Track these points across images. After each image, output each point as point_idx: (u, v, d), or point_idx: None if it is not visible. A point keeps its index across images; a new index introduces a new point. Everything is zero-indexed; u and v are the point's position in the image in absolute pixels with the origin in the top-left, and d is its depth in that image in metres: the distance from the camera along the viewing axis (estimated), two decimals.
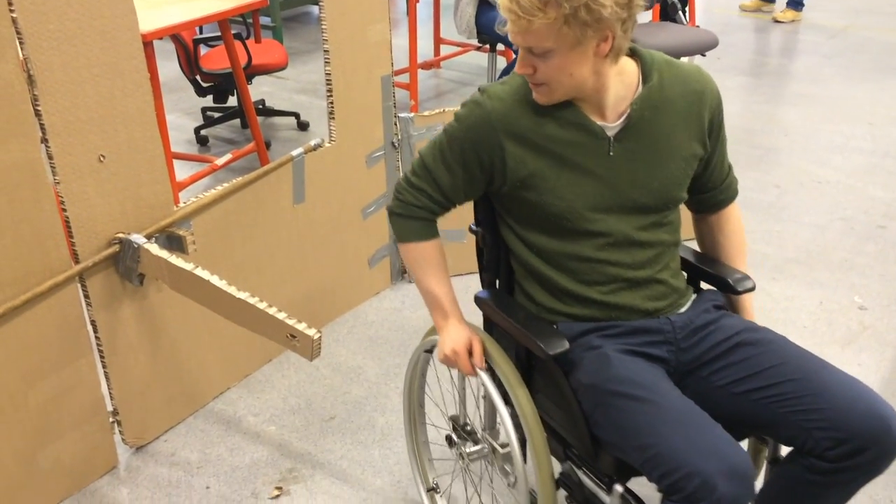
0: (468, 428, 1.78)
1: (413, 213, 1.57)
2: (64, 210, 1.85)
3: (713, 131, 1.55)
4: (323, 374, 2.48)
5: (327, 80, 2.40)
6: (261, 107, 4.52)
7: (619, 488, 1.42)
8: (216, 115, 4.38)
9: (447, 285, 1.58)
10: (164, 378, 2.20)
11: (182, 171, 3.84)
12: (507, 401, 1.52)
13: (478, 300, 1.62)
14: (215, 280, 1.83)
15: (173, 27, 3.00)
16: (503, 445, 1.64)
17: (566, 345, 1.42)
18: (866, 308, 2.76)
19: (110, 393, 2.08)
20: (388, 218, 1.62)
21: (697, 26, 5.16)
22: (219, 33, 3.48)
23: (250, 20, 4.54)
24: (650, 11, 4.71)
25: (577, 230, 1.48)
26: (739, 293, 1.58)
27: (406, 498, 2.01)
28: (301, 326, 1.75)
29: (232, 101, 4.35)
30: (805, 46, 5.94)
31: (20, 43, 1.68)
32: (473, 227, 1.68)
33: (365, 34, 2.44)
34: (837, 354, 2.52)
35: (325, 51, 2.36)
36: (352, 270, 2.73)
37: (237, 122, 4.53)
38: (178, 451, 2.18)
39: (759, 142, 4.21)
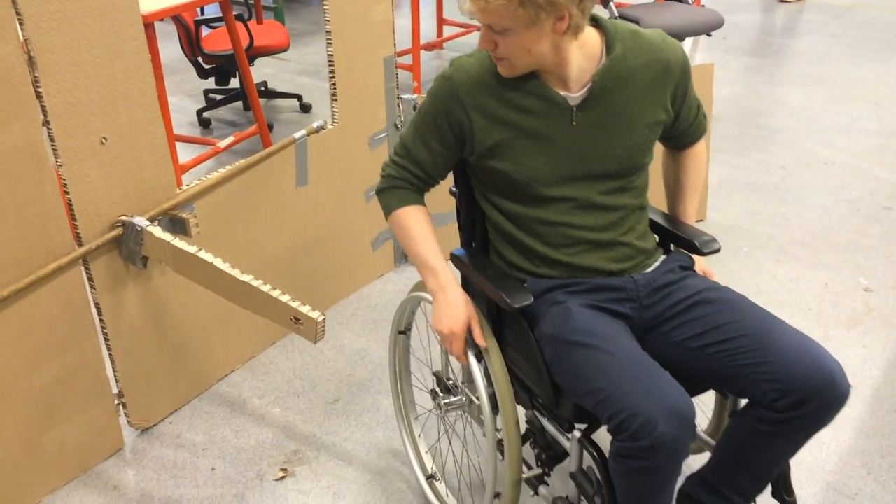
0: (451, 383, 1.84)
1: (396, 185, 1.63)
2: (66, 193, 1.84)
3: (678, 97, 1.61)
4: (327, 356, 2.48)
5: (329, 61, 2.38)
6: (263, 89, 4.50)
7: (576, 433, 1.52)
8: (218, 97, 4.36)
9: (436, 250, 1.61)
10: (169, 360, 2.20)
11: (185, 153, 3.83)
12: (481, 357, 1.60)
13: (453, 257, 1.69)
14: (219, 263, 1.83)
15: (174, 8, 2.98)
16: (479, 398, 1.73)
17: (530, 299, 1.50)
18: (872, 290, 2.75)
19: (115, 375, 2.08)
20: (377, 197, 1.67)
21: (703, 6, 5.11)
22: (220, 14, 3.46)
23: (252, 1, 4.51)
24: None
25: (541, 196, 1.55)
26: (705, 254, 1.64)
27: (410, 479, 2.02)
28: (305, 309, 1.75)
29: (234, 83, 4.33)
30: (811, 26, 5.89)
31: (20, 24, 1.66)
32: (453, 189, 1.75)
33: (367, 15, 2.42)
34: (842, 336, 2.52)
35: (327, 32, 2.34)
36: (355, 253, 2.72)
37: (239, 104, 4.51)
38: (183, 433, 2.19)
39: (765, 122, 4.18)
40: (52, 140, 1.79)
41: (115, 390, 2.10)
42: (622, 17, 4.04)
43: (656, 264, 1.62)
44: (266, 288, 1.78)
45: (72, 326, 1.93)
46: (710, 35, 4.15)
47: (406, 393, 2.00)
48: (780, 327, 1.44)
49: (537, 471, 1.68)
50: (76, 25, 1.75)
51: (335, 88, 2.42)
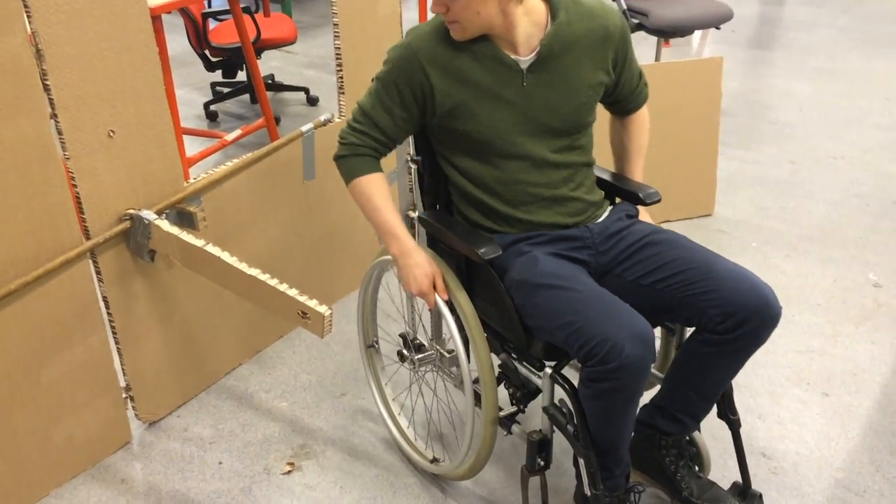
0: (417, 342, 1.97)
1: (358, 152, 1.71)
2: (74, 186, 1.84)
3: (619, 61, 1.74)
4: (334, 350, 2.48)
5: (337, 54, 2.37)
6: (270, 82, 4.49)
7: (548, 369, 1.65)
8: (225, 90, 4.36)
9: (398, 217, 1.72)
10: (177, 354, 2.20)
11: (192, 146, 3.83)
12: (453, 309, 1.73)
13: (421, 220, 1.81)
14: (226, 256, 1.83)
15: (182, 1, 2.97)
16: (450, 351, 1.88)
17: (499, 251, 1.64)
18: (881, 285, 2.73)
19: (123, 369, 2.08)
20: (336, 163, 1.75)
21: None
22: (227, 7, 3.45)
23: None
24: None
25: (500, 154, 1.67)
26: (647, 204, 1.82)
27: (417, 474, 2.02)
28: (312, 303, 1.75)
29: (241, 75, 4.32)
30: (820, 19, 5.85)
31: (28, 17, 1.66)
32: (414, 156, 1.84)
33: (375, 8, 2.41)
34: (851, 332, 2.50)
35: (334, 25, 2.33)
36: (362, 247, 2.72)
37: (246, 97, 4.51)
38: (190, 426, 2.19)
39: (774, 117, 4.15)
40: (59, 133, 1.78)
41: (122, 384, 2.10)
42: (631, 9, 4.02)
43: (605, 214, 1.78)
44: (273, 282, 1.78)
45: (80, 320, 1.93)
46: (718, 28, 4.12)
47: (375, 356, 2.13)
48: (720, 260, 1.62)
49: (512, 409, 1.80)
50: (84, 18, 1.75)
51: (342, 81, 2.41)
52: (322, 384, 2.34)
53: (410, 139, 1.83)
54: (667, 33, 3.94)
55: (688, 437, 1.79)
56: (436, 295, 1.70)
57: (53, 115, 1.76)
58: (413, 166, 1.86)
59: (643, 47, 5.23)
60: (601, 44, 1.68)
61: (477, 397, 1.78)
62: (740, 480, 1.81)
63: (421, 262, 1.70)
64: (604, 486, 1.62)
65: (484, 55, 1.63)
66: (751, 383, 2.29)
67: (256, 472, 2.04)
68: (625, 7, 4.02)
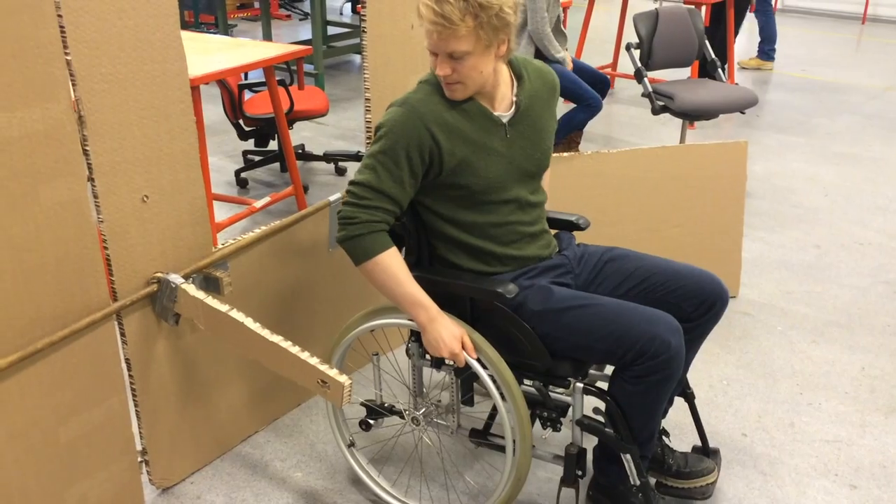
0: (386, 405, 2.09)
1: (374, 229, 1.78)
2: (105, 248, 1.87)
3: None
4: (351, 420, 2.45)
5: (367, 127, 2.42)
6: (300, 151, 4.59)
7: (578, 384, 1.82)
8: (256, 158, 4.45)
9: (419, 287, 1.81)
10: (194, 419, 2.19)
11: (220, 212, 3.90)
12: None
13: (419, 279, 1.85)
14: (249, 322, 1.84)
15: (220, 73, 3.07)
16: (438, 402, 2.05)
17: (515, 288, 1.79)
18: None
19: (140, 432, 2.07)
20: (345, 245, 1.80)
21: (736, 84, 5.17)
22: (263, 79, 3.56)
23: (294, 67, 4.64)
24: (689, 68, 4.72)
25: (494, 201, 1.85)
26: (583, 229, 2.09)
27: None
28: (332, 372, 1.74)
29: (273, 144, 4.42)
30: (845, 106, 5.90)
31: (73, 84, 1.72)
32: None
33: (406, 84, 2.47)
34: (880, 423, 2.44)
35: (366, 99, 2.39)
36: None
37: (277, 165, 4.60)
38: (203, 494, 2.17)
39: (799, 201, 4.16)
40: (95, 197, 1.83)
41: (139, 447, 2.09)
42: (656, 92, 4.09)
43: (560, 243, 2.02)
44: (295, 350, 1.78)
45: (101, 381, 1.93)
46: (743, 112, 4.17)
47: (358, 454, 2.16)
48: (673, 261, 1.91)
49: (544, 435, 2.07)
50: (126, 88, 1.81)
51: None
52: (338, 454, 2.31)
53: None
54: (691, 116, 4.00)
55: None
56: (465, 354, 1.80)
57: (91, 179, 1.81)
58: None
59: (668, 129, 5.29)
60: (551, 96, 1.95)
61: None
62: (699, 444, 2.12)
63: (448, 324, 1.79)
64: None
65: (474, 113, 1.81)
66: (776, 472, 2.23)
67: None
68: (650, 90, 4.09)
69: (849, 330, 2.95)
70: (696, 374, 2.67)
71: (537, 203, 1.94)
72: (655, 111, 4.07)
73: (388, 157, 1.76)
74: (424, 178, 1.81)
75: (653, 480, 2.06)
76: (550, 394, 1.90)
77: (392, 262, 1.78)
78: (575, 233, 2.11)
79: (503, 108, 1.85)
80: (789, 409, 2.50)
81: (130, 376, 2.01)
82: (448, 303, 1.87)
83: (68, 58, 1.69)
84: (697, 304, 1.85)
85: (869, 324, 2.99)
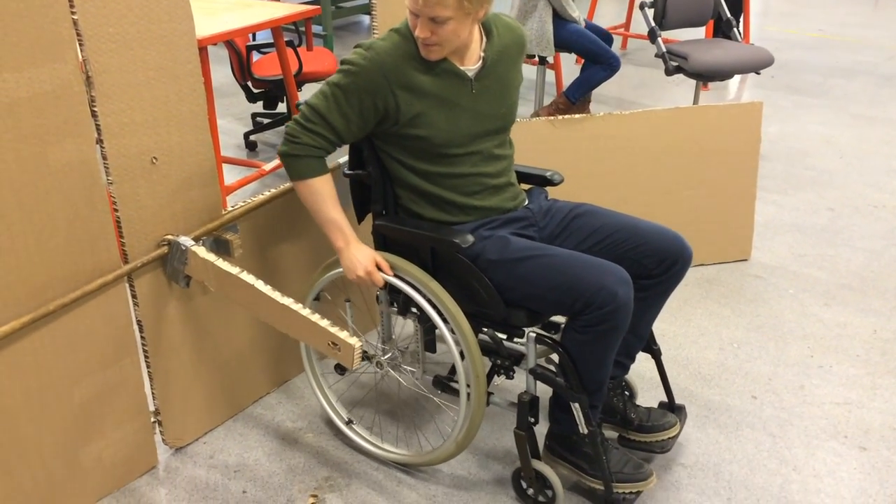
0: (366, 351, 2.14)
1: (310, 153, 1.87)
2: (116, 210, 1.87)
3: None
4: (362, 381, 2.47)
5: None
6: None
7: (531, 333, 1.88)
8: (265, 120, 4.43)
9: (342, 212, 1.90)
10: (206, 380, 2.21)
11: (230, 175, 3.89)
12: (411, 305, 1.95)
13: (379, 226, 1.97)
14: (260, 284, 1.84)
15: (228, 33, 3.04)
16: (405, 348, 2.14)
17: (472, 238, 1.84)
18: None
19: (153, 393, 2.09)
20: (283, 160, 1.88)
21: (752, 43, 5.06)
22: (271, 40, 3.52)
23: (303, 28, 4.59)
24: (703, 28, 4.64)
25: (457, 154, 1.89)
26: (556, 184, 2.13)
27: None
28: (343, 334, 1.75)
29: (281, 107, 4.39)
30: (863, 67, 5.81)
31: (80, 45, 1.71)
32: (348, 171, 2.04)
33: None
34: (891, 385, 2.44)
35: None
36: None
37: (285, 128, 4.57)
38: (216, 453, 2.19)
39: (813, 163, 4.11)
40: (104, 158, 1.82)
41: (151, 408, 2.11)
42: (670, 52, 4.03)
43: (530, 197, 2.05)
44: (305, 312, 1.79)
45: (114, 342, 1.95)
46: (758, 73, 4.11)
47: (316, 361, 2.24)
48: (639, 220, 1.94)
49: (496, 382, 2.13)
50: (134, 48, 1.79)
51: None
52: (368, 421, 2.32)
53: (348, 154, 2.05)
54: (705, 77, 3.94)
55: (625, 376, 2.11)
56: (379, 274, 1.89)
57: (99, 141, 1.80)
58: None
59: (682, 90, 5.22)
60: (519, 52, 1.98)
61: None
62: (666, 399, 2.18)
63: (363, 248, 1.91)
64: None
65: (441, 69, 1.84)
66: (786, 434, 2.24)
67: (280, 503, 2.03)
68: (664, 50, 4.02)
69: (861, 293, 2.93)
70: (707, 337, 2.67)
71: (503, 156, 1.97)
72: (669, 72, 4.01)
73: (341, 92, 1.82)
74: (380, 126, 1.86)
75: (616, 434, 2.10)
76: (505, 343, 1.97)
77: (322, 187, 1.88)
78: (580, 195, 2.17)
79: (471, 63, 1.88)
80: (800, 372, 2.50)
81: (142, 338, 2.02)
82: (410, 251, 1.94)
83: (75, 17, 1.67)
84: (658, 261, 1.89)
85: (882, 287, 2.97)
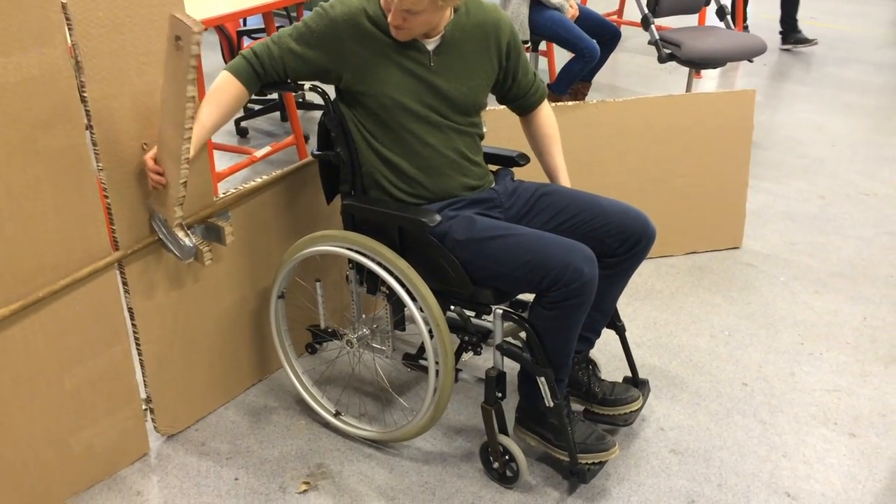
0: (330, 329, 2.24)
1: (251, 60, 1.91)
2: (106, 197, 1.86)
3: (510, 53, 2.04)
4: (355, 369, 2.47)
5: None
6: (301, 100, 4.54)
7: (498, 310, 1.91)
8: (257, 107, 4.41)
9: (212, 120, 1.88)
10: (198, 367, 2.21)
11: (221, 161, 3.87)
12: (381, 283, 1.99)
13: (350, 206, 2.00)
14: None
15: (219, 18, 3.02)
16: (375, 327, 2.18)
17: (439, 218, 1.87)
18: None
19: (144, 380, 2.09)
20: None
21: (746, 27, 5.06)
22: (262, 25, 3.50)
23: (294, 13, 4.56)
24: (696, 15, 4.63)
25: (415, 126, 1.92)
26: (522, 165, 2.17)
27: (434, 499, 2.00)
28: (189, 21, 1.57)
29: (272, 94, 4.37)
30: (856, 55, 5.81)
31: (69, 29, 1.69)
32: (316, 152, 2.06)
33: None
34: (880, 373, 2.45)
35: None
36: None
37: (277, 114, 4.55)
38: (208, 441, 2.19)
39: (805, 151, 4.12)
40: (94, 145, 1.81)
41: (143, 395, 2.11)
42: (663, 39, 4.02)
43: (496, 178, 2.09)
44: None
45: (104, 329, 1.94)
46: (751, 61, 4.11)
47: (290, 350, 2.27)
48: (604, 199, 1.98)
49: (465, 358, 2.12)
50: (123, 32, 1.77)
51: None
52: (341, 403, 2.33)
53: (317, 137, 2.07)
54: (698, 64, 3.93)
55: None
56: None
57: (89, 127, 1.79)
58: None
59: (674, 77, 5.22)
60: (493, 36, 1.98)
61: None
62: (630, 374, 2.24)
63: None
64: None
65: (402, 42, 1.88)
66: (776, 421, 2.25)
67: (272, 490, 2.03)
68: (657, 38, 4.02)
69: (852, 280, 2.94)
70: (698, 325, 2.68)
71: (468, 134, 2.00)
72: (662, 59, 4.00)
73: (295, 41, 1.90)
74: (327, 77, 1.92)
75: (581, 408, 2.15)
76: (473, 320, 2.02)
77: (229, 85, 1.90)
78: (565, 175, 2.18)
79: (432, 36, 1.91)
80: (790, 359, 2.51)
81: (133, 325, 2.01)
82: (379, 231, 1.97)
83: (63, 1, 1.65)
84: (622, 240, 1.93)
85: (872, 274, 2.99)
